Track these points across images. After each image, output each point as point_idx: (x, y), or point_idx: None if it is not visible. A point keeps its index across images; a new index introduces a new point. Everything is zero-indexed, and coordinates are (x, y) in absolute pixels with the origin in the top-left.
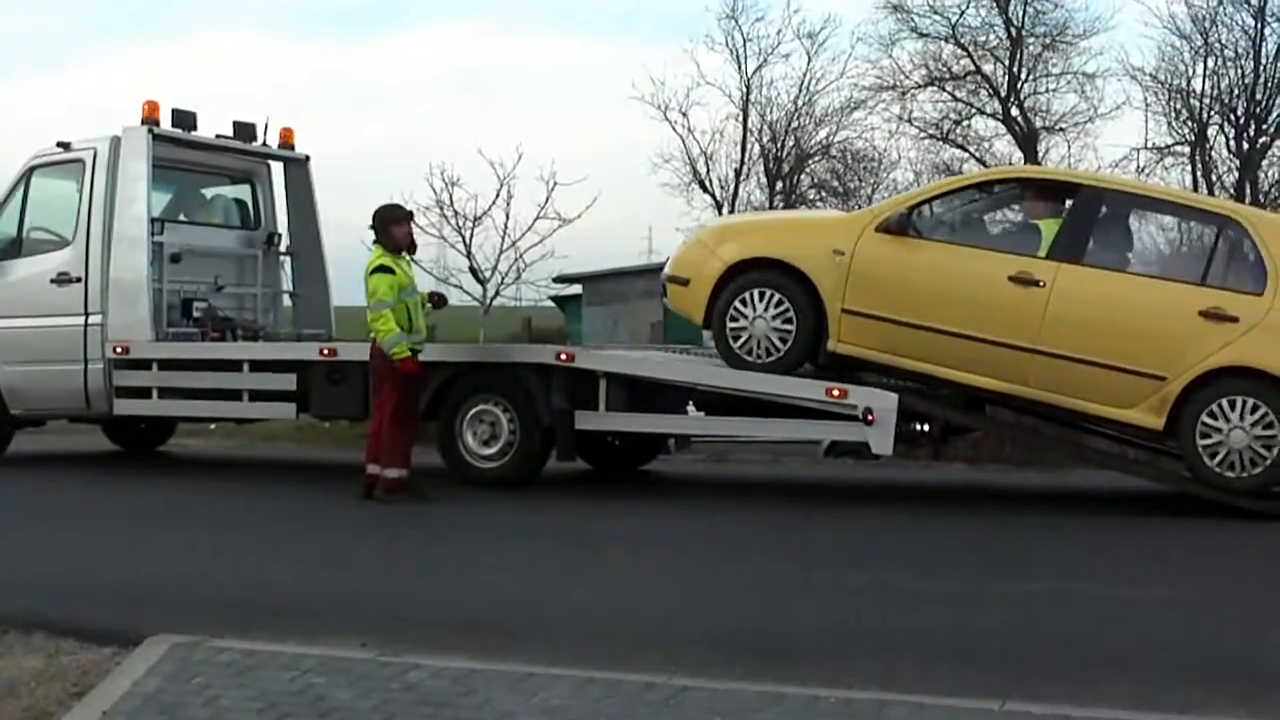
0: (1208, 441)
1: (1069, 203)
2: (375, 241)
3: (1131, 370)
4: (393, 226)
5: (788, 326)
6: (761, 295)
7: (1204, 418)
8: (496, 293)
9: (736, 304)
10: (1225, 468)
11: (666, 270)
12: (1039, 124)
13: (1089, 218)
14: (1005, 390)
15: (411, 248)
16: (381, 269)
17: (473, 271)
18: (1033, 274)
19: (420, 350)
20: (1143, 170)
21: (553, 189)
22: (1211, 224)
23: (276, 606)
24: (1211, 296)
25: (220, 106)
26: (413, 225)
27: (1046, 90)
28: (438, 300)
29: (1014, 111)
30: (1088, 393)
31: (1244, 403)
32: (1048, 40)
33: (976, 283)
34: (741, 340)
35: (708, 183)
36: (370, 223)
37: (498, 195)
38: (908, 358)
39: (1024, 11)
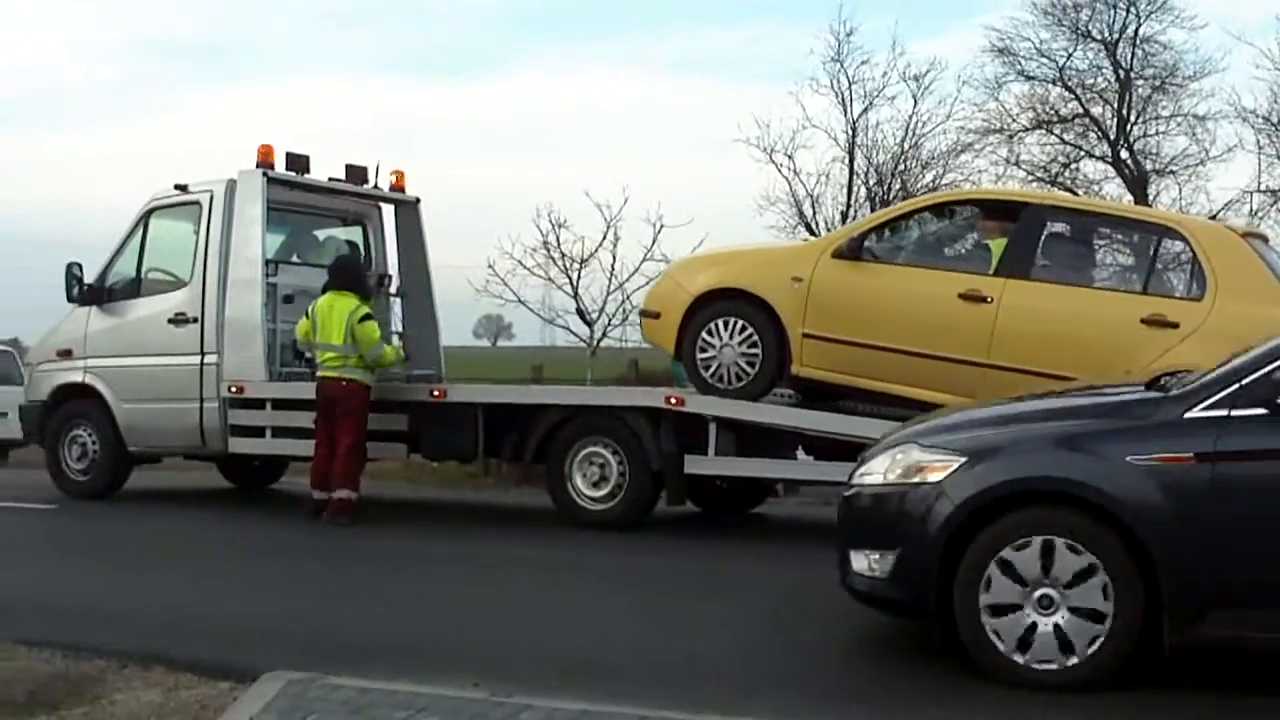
0: None
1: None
2: (347, 290)
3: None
4: (368, 278)
5: (754, 353)
6: (728, 324)
7: None
8: (604, 334)
9: (705, 333)
10: None
11: (641, 305)
12: (1149, 167)
13: (1034, 234)
14: None
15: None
16: (369, 316)
17: (580, 313)
18: (981, 291)
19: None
20: (1255, 213)
21: (659, 231)
22: (1152, 234)
23: (386, 644)
24: (1153, 304)
25: (325, 147)
26: None
27: (1156, 133)
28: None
29: (1123, 154)
30: None
31: None
32: (1157, 83)
33: (928, 302)
34: (711, 368)
35: (814, 225)
36: (348, 275)
37: (604, 237)
38: (866, 378)
39: (1132, 54)
